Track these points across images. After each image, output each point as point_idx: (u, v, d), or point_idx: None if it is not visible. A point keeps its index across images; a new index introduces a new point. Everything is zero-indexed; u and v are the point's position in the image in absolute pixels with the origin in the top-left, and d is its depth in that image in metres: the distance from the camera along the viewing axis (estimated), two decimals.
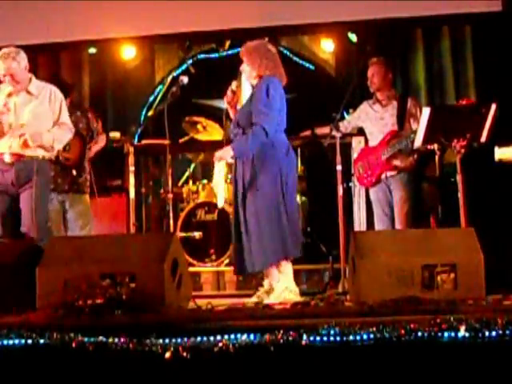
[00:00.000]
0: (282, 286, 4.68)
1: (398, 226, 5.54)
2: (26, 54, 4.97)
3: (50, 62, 7.42)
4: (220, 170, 4.91)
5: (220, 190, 5.17)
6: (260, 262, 4.66)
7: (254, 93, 4.79)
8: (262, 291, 4.77)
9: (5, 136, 4.92)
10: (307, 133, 6.28)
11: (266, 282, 4.79)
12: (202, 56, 7.93)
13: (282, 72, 4.83)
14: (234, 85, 4.90)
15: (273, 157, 4.70)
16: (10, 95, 4.94)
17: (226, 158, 4.84)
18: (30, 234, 4.82)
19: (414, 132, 5.20)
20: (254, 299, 4.67)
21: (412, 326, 3.00)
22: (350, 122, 5.95)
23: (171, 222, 6.15)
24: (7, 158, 4.93)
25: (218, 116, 5.92)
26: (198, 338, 3.03)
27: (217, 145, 6.53)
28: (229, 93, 4.88)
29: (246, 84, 5.01)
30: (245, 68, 4.82)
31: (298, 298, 4.56)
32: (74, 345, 3.07)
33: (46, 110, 5.00)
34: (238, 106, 4.94)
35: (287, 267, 4.74)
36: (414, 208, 5.56)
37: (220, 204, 5.30)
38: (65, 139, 5.14)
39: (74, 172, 5.78)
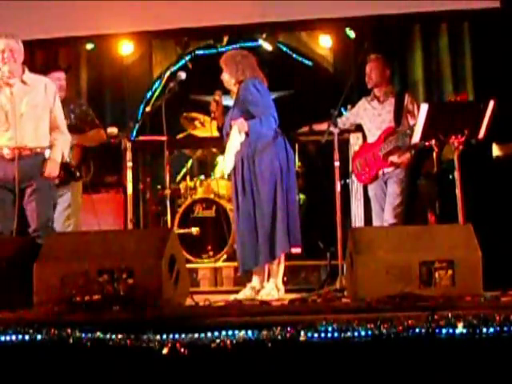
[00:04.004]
0: (271, 285, 4.74)
1: (386, 216, 5.50)
2: (24, 49, 4.91)
3: (47, 57, 7.41)
4: (235, 136, 4.69)
5: (230, 154, 4.82)
6: (265, 256, 4.71)
7: (239, 96, 4.85)
8: (249, 288, 4.81)
9: (2, 127, 4.79)
10: (305, 129, 6.28)
11: (255, 279, 4.83)
12: (200, 52, 7.91)
13: (262, 75, 4.93)
14: (217, 95, 5.01)
15: (272, 153, 4.75)
16: (6, 84, 4.80)
17: (242, 129, 4.70)
18: (35, 235, 4.67)
19: (411, 128, 5.21)
20: (239, 296, 4.71)
21: (410, 322, 3.00)
22: (348, 118, 5.94)
23: (169, 218, 6.14)
24: (7, 153, 4.77)
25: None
26: (196, 334, 3.03)
27: (214, 141, 6.58)
28: (213, 103, 5.00)
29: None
30: (224, 77, 4.93)
31: (283, 296, 4.63)
32: (71, 341, 3.07)
33: (42, 100, 4.91)
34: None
35: (280, 265, 4.78)
36: (406, 203, 5.54)
37: (227, 170, 4.88)
38: (68, 146, 5.10)
39: (78, 174, 5.70)
